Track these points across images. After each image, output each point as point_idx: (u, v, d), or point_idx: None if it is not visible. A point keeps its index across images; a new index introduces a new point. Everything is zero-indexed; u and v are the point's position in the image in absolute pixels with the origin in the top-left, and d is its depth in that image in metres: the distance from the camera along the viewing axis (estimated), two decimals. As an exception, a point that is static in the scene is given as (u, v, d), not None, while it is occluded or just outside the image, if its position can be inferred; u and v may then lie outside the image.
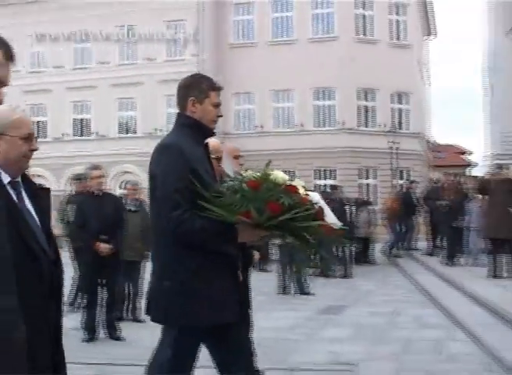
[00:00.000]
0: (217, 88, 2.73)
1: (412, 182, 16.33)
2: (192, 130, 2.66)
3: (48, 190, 2.11)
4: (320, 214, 2.49)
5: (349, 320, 7.12)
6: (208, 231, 2.46)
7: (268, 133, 24.03)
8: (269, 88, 23.89)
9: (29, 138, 1.91)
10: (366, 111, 24.34)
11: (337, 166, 23.35)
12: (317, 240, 2.49)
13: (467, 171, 30.23)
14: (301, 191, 2.45)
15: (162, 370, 2.64)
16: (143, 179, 11.41)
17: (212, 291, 2.55)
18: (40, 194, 2.02)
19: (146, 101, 24.29)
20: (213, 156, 2.87)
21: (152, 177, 2.60)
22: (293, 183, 2.46)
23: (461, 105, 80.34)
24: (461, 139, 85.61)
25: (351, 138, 23.26)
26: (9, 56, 1.77)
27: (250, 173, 2.52)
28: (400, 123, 24.63)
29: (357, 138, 23.25)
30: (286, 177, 2.47)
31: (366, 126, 24.08)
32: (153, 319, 2.66)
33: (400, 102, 25.01)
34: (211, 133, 2.76)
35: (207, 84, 2.70)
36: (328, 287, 10.02)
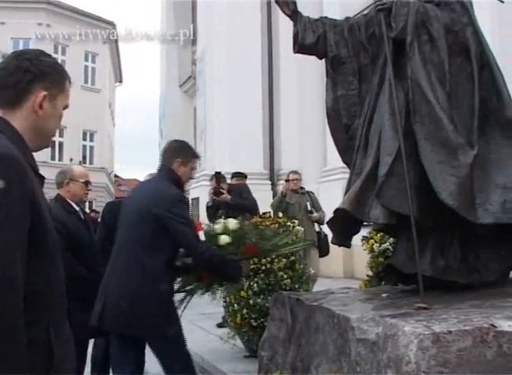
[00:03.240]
0: (198, 157, 3.31)
1: (96, 212, 16.01)
2: (174, 183, 3.15)
3: None
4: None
5: None
6: (225, 258, 3.10)
7: None
8: None
9: None
10: (59, 146, 23.78)
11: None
12: None
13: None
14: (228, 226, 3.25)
15: None
16: None
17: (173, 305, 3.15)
18: None
19: None
20: (82, 180, 3.53)
21: (158, 217, 2.98)
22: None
23: (143, 144, 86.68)
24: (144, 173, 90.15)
25: (44, 170, 21.89)
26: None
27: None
28: (84, 157, 25.01)
29: (48, 170, 21.97)
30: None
31: (59, 160, 23.39)
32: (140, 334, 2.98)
33: (90, 139, 25.43)
34: (185, 190, 3.37)
35: (191, 152, 3.27)
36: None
